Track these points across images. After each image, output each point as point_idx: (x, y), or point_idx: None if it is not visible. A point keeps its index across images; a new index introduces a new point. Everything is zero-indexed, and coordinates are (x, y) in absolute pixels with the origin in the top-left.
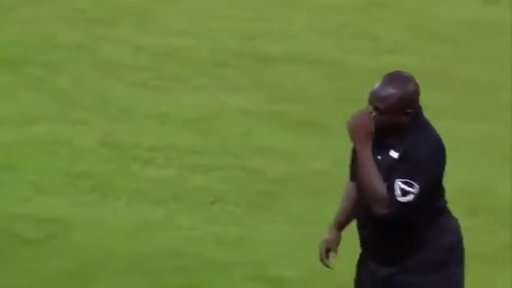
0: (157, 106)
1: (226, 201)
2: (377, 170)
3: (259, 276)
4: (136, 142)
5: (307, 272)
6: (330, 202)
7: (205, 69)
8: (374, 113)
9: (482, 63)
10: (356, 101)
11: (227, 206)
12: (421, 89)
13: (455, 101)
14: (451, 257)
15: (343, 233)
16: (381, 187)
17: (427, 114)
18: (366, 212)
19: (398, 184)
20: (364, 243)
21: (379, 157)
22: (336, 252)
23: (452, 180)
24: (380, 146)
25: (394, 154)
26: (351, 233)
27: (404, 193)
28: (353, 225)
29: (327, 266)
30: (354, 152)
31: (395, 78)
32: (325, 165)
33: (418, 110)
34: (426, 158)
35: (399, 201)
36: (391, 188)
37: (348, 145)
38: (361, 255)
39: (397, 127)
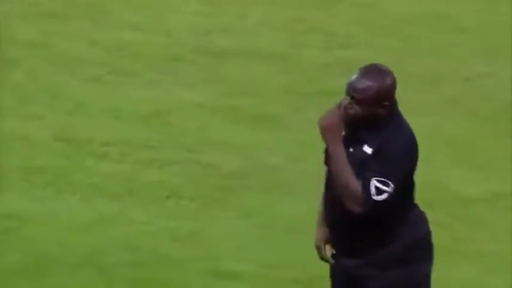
0: (112, 101)
1: (181, 195)
2: (350, 168)
3: (213, 271)
4: (91, 137)
5: (260, 266)
6: (284, 196)
7: (160, 64)
8: (350, 104)
9: (433, 57)
10: (310, 95)
11: (182, 201)
12: None
13: (406, 94)
14: (414, 254)
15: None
16: (355, 185)
17: None
18: (336, 206)
19: (374, 183)
20: (333, 237)
21: (351, 150)
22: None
23: None
24: (354, 139)
25: (367, 149)
26: (302, 227)
27: (380, 192)
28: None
29: (328, 261)
30: (326, 151)
31: (372, 70)
32: (279, 160)
33: (393, 104)
34: (400, 154)
35: (374, 200)
36: (366, 187)
37: (301, 140)
38: (333, 247)
39: (373, 119)
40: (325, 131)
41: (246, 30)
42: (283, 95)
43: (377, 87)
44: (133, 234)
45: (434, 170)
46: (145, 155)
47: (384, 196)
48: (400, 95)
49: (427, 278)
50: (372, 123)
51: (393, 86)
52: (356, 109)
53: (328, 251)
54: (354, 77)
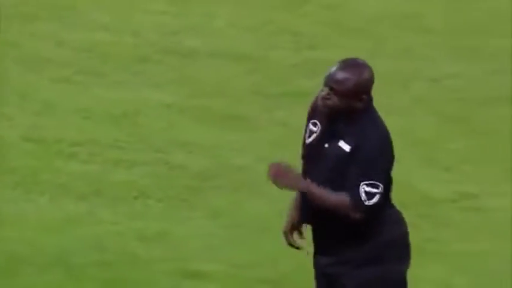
0: (80, 101)
1: (149, 196)
2: (326, 190)
3: (181, 271)
4: (59, 137)
5: (229, 266)
6: (252, 196)
7: (128, 64)
8: (329, 94)
9: (400, 57)
10: (278, 96)
11: (150, 201)
12: None
13: (374, 95)
14: (389, 253)
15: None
16: (342, 200)
17: None
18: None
19: (363, 188)
20: (312, 236)
21: (327, 145)
22: (301, 233)
23: None
24: (330, 133)
25: (345, 146)
26: (271, 227)
27: (370, 196)
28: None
29: (294, 245)
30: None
31: (352, 63)
32: (247, 160)
33: (370, 98)
34: (380, 153)
35: (367, 206)
36: (356, 194)
37: (269, 140)
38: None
39: (350, 112)
40: (283, 181)
41: (214, 31)
42: (251, 95)
43: (356, 79)
44: (102, 234)
45: (402, 170)
46: (114, 155)
47: (375, 199)
48: None
49: (401, 277)
50: (349, 117)
51: (371, 80)
52: (334, 100)
53: (296, 236)
54: (334, 68)
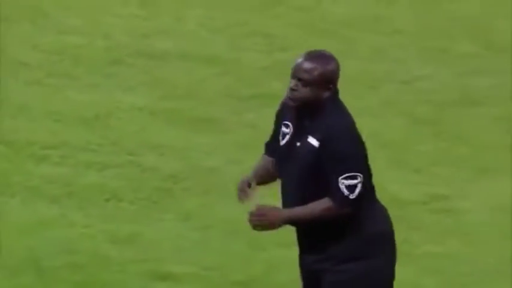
0: (52, 104)
1: (120, 198)
2: (308, 206)
3: (153, 273)
4: (31, 140)
5: (200, 268)
6: (223, 199)
7: (99, 67)
8: (297, 86)
9: (370, 59)
10: (249, 98)
11: (121, 203)
12: None
13: (344, 97)
14: (374, 248)
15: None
16: (325, 205)
17: None
18: (294, 201)
19: (343, 183)
20: (298, 235)
21: (298, 144)
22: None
23: None
24: (299, 131)
25: (313, 141)
26: (241, 230)
27: (352, 188)
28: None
29: (245, 197)
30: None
31: (318, 55)
32: (218, 163)
33: (336, 90)
34: (350, 142)
35: (352, 199)
36: (338, 190)
37: (240, 142)
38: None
39: (318, 103)
40: (267, 223)
41: (185, 33)
42: (222, 97)
43: (323, 68)
44: (73, 236)
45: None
46: (85, 158)
47: (358, 189)
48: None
49: (387, 272)
50: (316, 110)
51: (338, 69)
52: (302, 91)
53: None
54: (300, 59)
